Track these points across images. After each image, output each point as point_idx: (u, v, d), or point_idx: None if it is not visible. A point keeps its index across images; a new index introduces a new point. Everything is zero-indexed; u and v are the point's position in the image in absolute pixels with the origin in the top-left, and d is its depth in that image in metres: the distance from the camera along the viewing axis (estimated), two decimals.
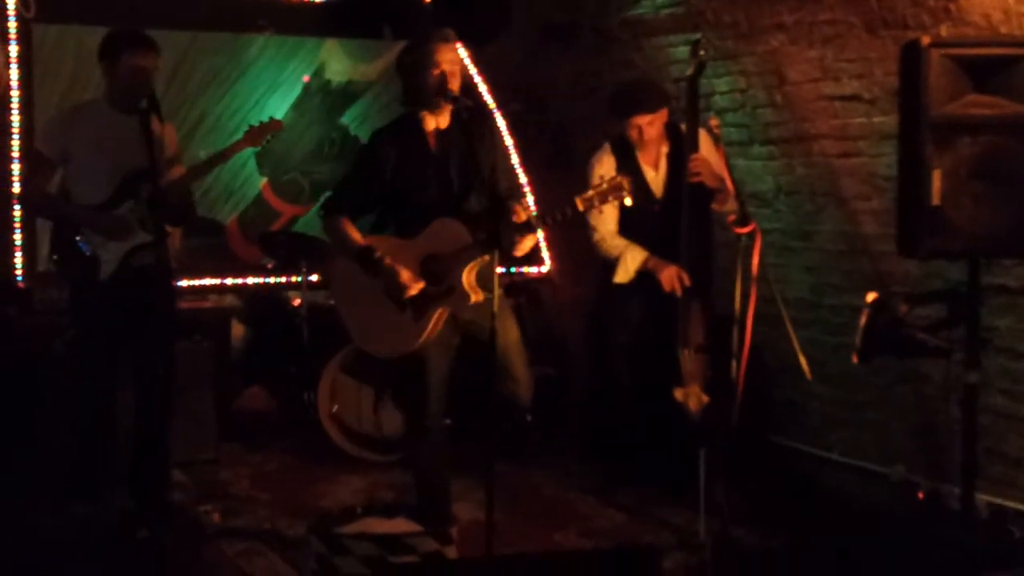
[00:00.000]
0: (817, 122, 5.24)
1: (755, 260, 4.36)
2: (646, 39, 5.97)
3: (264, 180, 7.06)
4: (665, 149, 5.24)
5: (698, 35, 5.01)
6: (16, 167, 6.40)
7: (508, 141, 6.99)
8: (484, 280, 4.30)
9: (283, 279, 7.09)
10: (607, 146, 5.30)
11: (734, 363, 4.40)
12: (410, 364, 4.47)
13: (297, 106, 7.06)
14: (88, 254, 4.80)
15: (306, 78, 7.05)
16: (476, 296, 4.30)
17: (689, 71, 4.91)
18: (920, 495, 5.04)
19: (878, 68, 4.82)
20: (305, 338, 6.39)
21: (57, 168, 4.92)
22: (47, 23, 6.41)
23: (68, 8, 6.46)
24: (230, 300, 6.98)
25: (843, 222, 5.33)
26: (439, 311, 4.34)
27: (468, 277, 4.31)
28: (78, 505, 5.02)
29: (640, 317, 5.24)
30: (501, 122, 6.84)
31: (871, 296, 4.17)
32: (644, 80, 5.77)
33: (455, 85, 4.34)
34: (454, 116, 4.44)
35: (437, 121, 4.46)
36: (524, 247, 4.27)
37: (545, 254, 7.52)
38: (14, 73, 6.40)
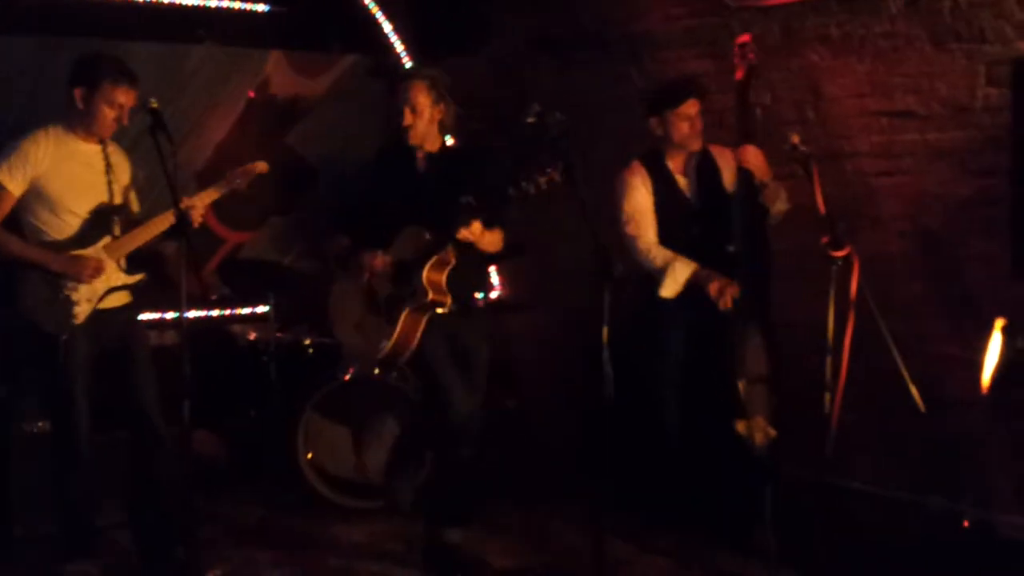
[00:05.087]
0: (855, 139, 5.05)
1: (853, 285, 4.13)
2: (648, 53, 5.67)
3: None
4: (694, 161, 4.95)
5: (746, 39, 4.74)
6: None
7: None
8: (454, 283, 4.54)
9: (227, 311, 6.52)
10: (635, 161, 4.99)
11: (827, 396, 4.16)
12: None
13: (240, 123, 6.47)
14: (60, 296, 4.37)
15: (251, 93, 6.47)
16: (433, 295, 4.49)
17: (737, 75, 4.68)
18: (965, 524, 4.88)
19: (941, 83, 4.67)
20: (273, 377, 5.84)
21: (14, 201, 4.38)
22: None
23: None
24: (171, 337, 6.32)
25: (879, 243, 5.12)
26: (405, 312, 4.54)
27: (428, 274, 4.49)
28: (70, 564, 4.49)
29: (689, 336, 4.85)
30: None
31: (1001, 321, 3.98)
32: (678, 76, 5.49)
33: (409, 123, 4.61)
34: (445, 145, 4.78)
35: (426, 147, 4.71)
36: (475, 232, 4.37)
37: (495, 279, 7.13)
38: None
